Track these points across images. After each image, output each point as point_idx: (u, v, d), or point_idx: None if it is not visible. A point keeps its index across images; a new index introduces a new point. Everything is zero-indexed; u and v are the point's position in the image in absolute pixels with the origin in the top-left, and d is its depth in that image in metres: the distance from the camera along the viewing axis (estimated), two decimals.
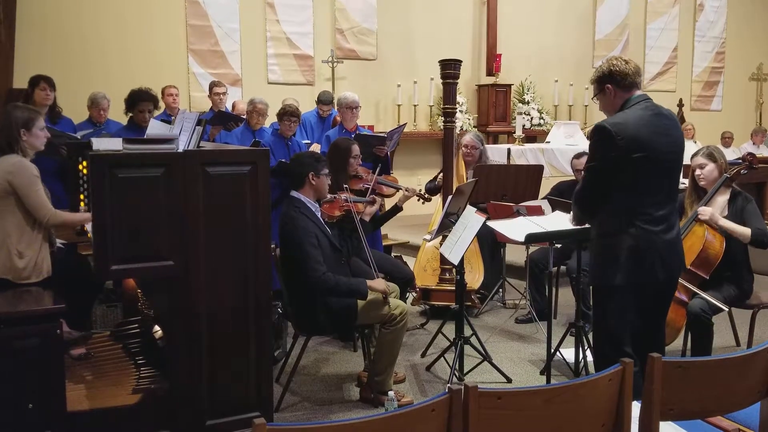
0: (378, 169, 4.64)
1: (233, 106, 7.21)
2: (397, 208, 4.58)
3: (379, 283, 3.70)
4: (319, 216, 3.81)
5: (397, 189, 4.75)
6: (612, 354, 2.79)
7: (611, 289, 2.95)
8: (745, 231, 3.85)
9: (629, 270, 2.87)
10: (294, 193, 3.77)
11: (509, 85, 9.84)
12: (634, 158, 2.79)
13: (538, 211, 4.44)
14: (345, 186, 4.18)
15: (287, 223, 3.67)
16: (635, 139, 2.78)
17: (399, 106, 9.23)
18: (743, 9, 12.04)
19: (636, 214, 2.86)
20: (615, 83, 2.92)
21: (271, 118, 6.17)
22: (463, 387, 1.77)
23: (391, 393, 3.32)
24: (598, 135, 2.85)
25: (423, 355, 4.46)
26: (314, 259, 3.56)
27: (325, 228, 3.78)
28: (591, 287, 3.23)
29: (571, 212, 3.17)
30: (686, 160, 3.49)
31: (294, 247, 3.61)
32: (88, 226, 3.57)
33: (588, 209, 3.02)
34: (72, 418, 2.94)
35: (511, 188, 5.32)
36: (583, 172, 3.08)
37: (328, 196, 3.98)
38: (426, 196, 4.96)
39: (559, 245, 4.88)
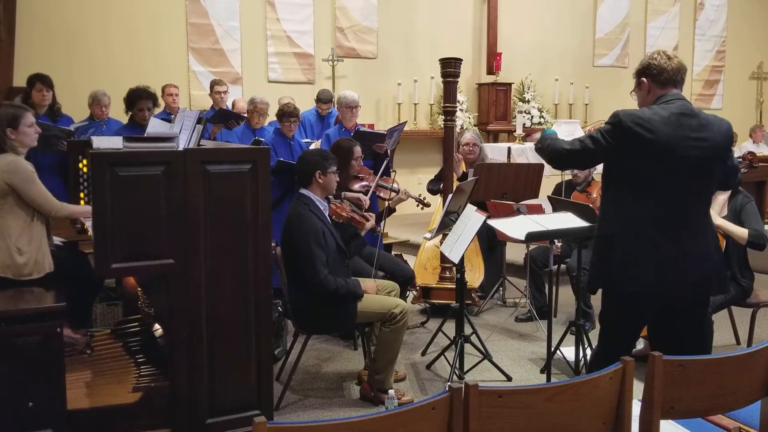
0: (381, 171, 4.62)
1: (233, 105, 7.20)
2: (389, 210, 4.58)
3: (369, 286, 3.77)
4: (327, 214, 3.81)
5: (395, 192, 4.75)
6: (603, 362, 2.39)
7: (605, 293, 2.89)
8: (742, 232, 3.85)
9: (621, 276, 2.76)
10: (303, 191, 3.78)
11: (509, 84, 9.84)
12: (645, 156, 2.68)
13: (538, 210, 4.43)
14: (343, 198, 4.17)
15: (295, 219, 3.66)
16: (653, 136, 2.66)
17: (399, 104, 9.23)
18: (743, 8, 12.03)
19: (641, 218, 2.74)
20: (651, 77, 2.81)
21: (271, 117, 6.17)
22: (463, 385, 1.77)
23: (391, 391, 3.33)
24: (611, 120, 2.75)
25: (423, 353, 4.46)
26: (318, 260, 3.56)
27: (332, 227, 3.78)
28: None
29: (539, 142, 3.01)
30: None
31: (299, 244, 3.60)
32: (88, 224, 3.57)
33: (555, 157, 2.92)
34: (72, 416, 2.95)
35: (511, 187, 5.31)
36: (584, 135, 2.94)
37: (336, 201, 3.98)
38: (425, 201, 4.95)
39: (559, 244, 4.88)
